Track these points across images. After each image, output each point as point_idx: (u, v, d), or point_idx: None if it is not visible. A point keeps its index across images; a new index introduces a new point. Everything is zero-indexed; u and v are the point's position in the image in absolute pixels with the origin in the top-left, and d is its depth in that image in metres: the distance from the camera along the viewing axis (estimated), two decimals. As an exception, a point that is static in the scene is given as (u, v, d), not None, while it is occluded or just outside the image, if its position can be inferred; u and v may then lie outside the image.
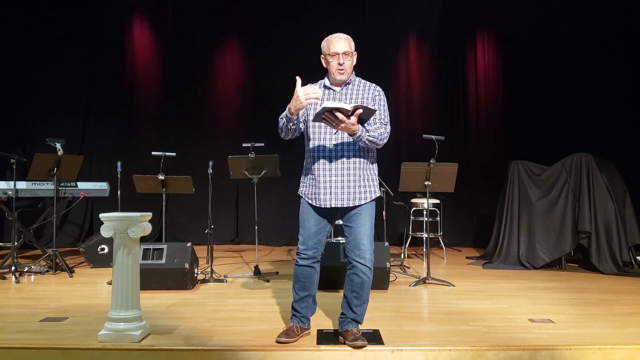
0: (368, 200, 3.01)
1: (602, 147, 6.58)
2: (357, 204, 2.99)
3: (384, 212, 5.88)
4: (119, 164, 5.64)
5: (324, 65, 3.07)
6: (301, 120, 3.06)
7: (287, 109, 2.92)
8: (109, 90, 7.84)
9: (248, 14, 7.88)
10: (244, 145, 5.18)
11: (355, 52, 3.06)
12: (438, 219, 6.68)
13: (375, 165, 3.12)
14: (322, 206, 3.00)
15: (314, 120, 2.90)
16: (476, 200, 7.71)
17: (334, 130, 2.93)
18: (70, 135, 6.95)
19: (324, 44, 3.04)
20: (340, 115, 2.76)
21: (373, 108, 2.90)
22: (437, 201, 6.67)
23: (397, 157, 7.04)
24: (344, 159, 2.97)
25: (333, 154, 2.97)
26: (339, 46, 2.98)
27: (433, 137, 4.82)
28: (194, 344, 3.02)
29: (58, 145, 5.25)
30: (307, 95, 2.81)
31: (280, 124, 3.02)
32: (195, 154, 7.46)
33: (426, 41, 7.97)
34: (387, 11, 7.82)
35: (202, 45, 7.94)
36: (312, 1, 7.72)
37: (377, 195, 3.07)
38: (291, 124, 2.96)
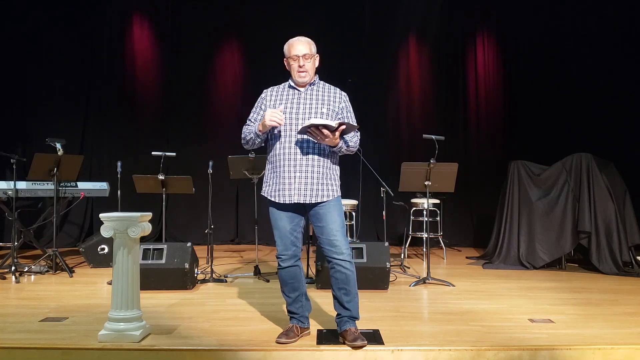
0: (330, 198, 3.03)
1: (602, 147, 6.57)
2: (319, 200, 3.01)
3: (384, 212, 5.88)
4: (119, 164, 5.65)
5: (287, 67, 3.14)
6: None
7: (256, 128, 3.04)
8: (109, 90, 7.84)
9: (248, 14, 7.88)
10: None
11: (317, 55, 3.13)
12: (438, 219, 6.68)
13: (337, 167, 3.16)
14: (286, 202, 3.02)
15: (299, 133, 2.96)
16: (476, 200, 7.70)
17: (301, 132, 2.99)
18: (70, 135, 6.94)
19: (285, 47, 3.12)
20: (325, 131, 2.86)
21: (355, 125, 3.02)
22: (437, 201, 6.67)
23: (397, 157, 7.03)
24: (309, 156, 3.01)
25: (298, 151, 3.00)
26: (299, 49, 3.05)
27: (433, 137, 4.82)
28: (194, 344, 3.02)
29: (58, 145, 5.25)
30: (272, 118, 2.92)
31: (248, 138, 3.13)
32: (195, 154, 7.46)
33: (426, 41, 7.97)
34: (387, 11, 7.82)
35: (202, 45, 7.94)
36: (312, 1, 7.72)
37: (339, 194, 3.10)
38: (259, 139, 3.10)
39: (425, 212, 5.81)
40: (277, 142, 3.05)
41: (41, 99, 7.59)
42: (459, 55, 8.00)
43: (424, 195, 5.27)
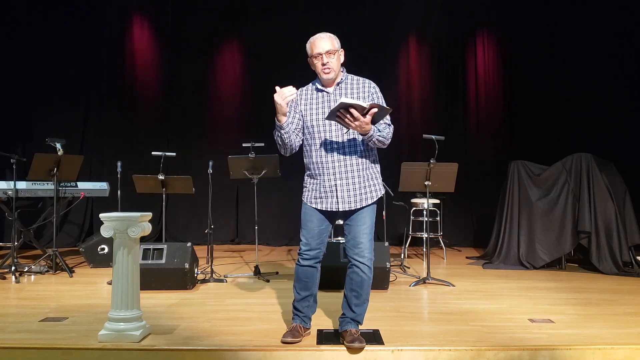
0: (374, 200, 3.01)
1: (602, 147, 6.57)
2: (361, 205, 2.98)
3: (384, 212, 5.87)
4: (119, 164, 5.65)
5: (312, 67, 3.05)
6: (298, 129, 3.04)
7: (276, 120, 2.92)
8: (109, 90, 7.85)
9: (248, 13, 7.88)
10: (244, 145, 5.17)
11: (342, 50, 3.03)
12: (438, 219, 6.68)
13: (377, 164, 3.11)
14: (329, 209, 2.99)
15: (328, 118, 2.85)
16: (476, 200, 7.71)
17: (342, 131, 2.93)
18: (70, 135, 6.94)
19: (307, 45, 3.02)
20: (355, 113, 2.73)
21: (388, 108, 2.85)
22: (437, 201, 6.67)
23: (397, 157, 7.03)
24: (347, 161, 2.95)
25: (336, 157, 2.95)
26: (322, 46, 2.94)
27: (433, 137, 4.82)
28: (194, 344, 3.02)
29: (58, 145, 5.25)
30: (284, 96, 2.81)
31: (279, 141, 3.01)
32: (195, 154, 7.47)
33: (426, 41, 7.97)
34: (387, 11, 7.83)
35: (202, 45, 7.94)
36: (312, 1, 7.73)
37: (382, 193, 3.06)
38: (283, 131, 2.94)
39: (425, 212, 5.82)
40: (313, 148, 3.00)
41: (41, 99, 7.60)
42: (459, 55, 8.00)
43: (424, 195, 5.27)
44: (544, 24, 7.72)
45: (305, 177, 3.12)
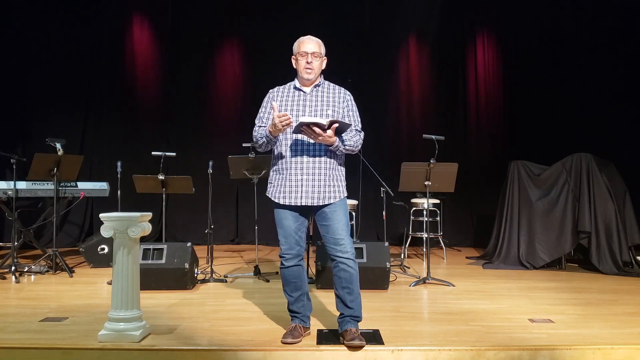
0: (337, 200, 3.05)
1: (602, 147, 6.57)
2: (325, 202, 3.03)
3: (384, 212, 5.88)
4: (119, 164, 5.65)
5: (294, 65, 3.15)
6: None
7: (267, 132, 3.01)
8: (109, 90, 7.85)
9: (248, 13, 7.89)
10: (244, 145, 5.17)
11: (326, 57, 3.15)
12: (438, 219, 6.68)
13: (343, 167, 3.17)
14: (292, 204, 3.03)
15: (294, 132, 2.96)
16: (476, 200, 7.71)
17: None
18: (70, 135, 6.94)
19: (295, 44, 3.13)
20: (317, 130, 2.86)
21: (348, 122, 3.00)
22: (437, 201, 6.67)
23: (397, 157, 7.03)
24: (315, 158, 3.01)
25: (304, 153, 3.01)
26: (309, 47, 3.07)
27: (433, 137, 4.82)
28: (194, 344, 3.03)
29: (58, 145, 5.25)
30: (281, 121, 2.88)
31: (260, 142, 3.10)
32: (195, 154, 7.46)
33: (426, 41, 7.97)
34: (387, 11, 7.83)
35: (202, 44, 7.94)
36: (312, 2, 7.73)
37: (345, 195, 3.12)
38: (273, 142, 3.08)
39: (425, 212, 5.81)
40: (282, 144, 3.05)
41: (41, 99, 7.60)
42: (459, 55, 8.00)
43: (424, 195, 5.27)
44: (544, 23, 7.72)
45: (271, 173, 3.17)
